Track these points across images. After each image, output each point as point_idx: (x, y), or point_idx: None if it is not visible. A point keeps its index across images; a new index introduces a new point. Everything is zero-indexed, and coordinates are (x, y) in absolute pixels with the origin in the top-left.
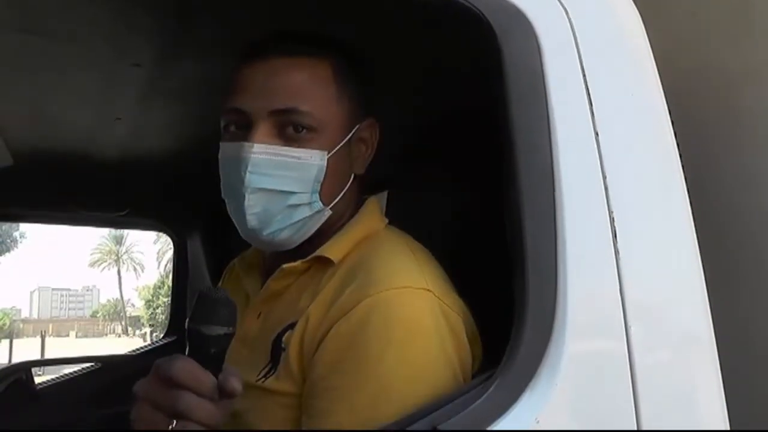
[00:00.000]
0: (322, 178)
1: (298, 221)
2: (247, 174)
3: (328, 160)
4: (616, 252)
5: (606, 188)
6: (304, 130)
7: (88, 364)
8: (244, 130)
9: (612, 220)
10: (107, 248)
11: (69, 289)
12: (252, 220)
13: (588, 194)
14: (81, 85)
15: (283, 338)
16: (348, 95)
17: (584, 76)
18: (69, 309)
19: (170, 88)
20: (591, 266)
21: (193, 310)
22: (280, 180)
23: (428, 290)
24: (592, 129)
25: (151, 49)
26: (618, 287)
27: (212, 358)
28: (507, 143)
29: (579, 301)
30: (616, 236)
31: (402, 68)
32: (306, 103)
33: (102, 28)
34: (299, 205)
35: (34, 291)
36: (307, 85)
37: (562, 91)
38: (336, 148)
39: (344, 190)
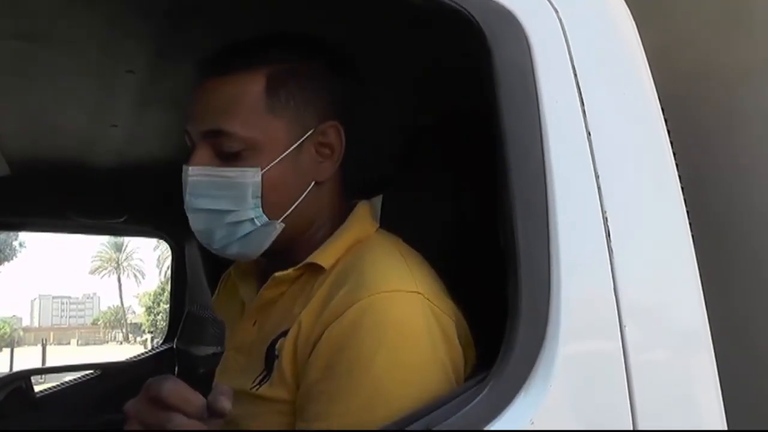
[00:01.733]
0: (260, 194)
1: (244, 236)
2: (187, 195)
3: (264, 175)
4: (610, 252)
5: (599, 188)
6: (234, 150)
7: (87, 372)
8: (192, 151)
9: (605, 220)
10: (107, 256)
11: (70, 297)
12: (200, 237)
13: (581, 194)
14: (76, 91)
15: (277, 345)
16: (289, 105)
17: (575, 76)
18: (70, 317)
19: (166, 93)
20: (585, 266)
21: (181, 330)
22: (217, 200)
23: (419, 293)
24: (584, 129)
25: (145, 55)
26: (612, 287)
27: (201, 377)
28: (498, 144)
29: (573, 301)
30: (609, 236)
31: (393, 71)
32: (229, 123)
33: (97, 34)
34: (240, 221)
35: (34, 299)
36: (232, 105)
37: (553, 92)
38: (273, 162)
39: (299, 200)
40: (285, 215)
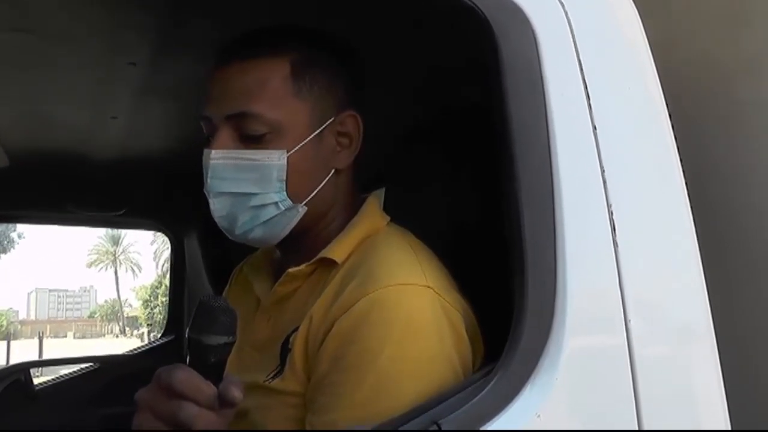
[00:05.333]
0: (284, 177)
1: (268, 220)
2: (209, 179)
3: (289, 158)
4: (615, 245)
5: (604, 182)
6: (259, 132)
7: (86, 365)
8: (213, 136)
9: (611, 214)
10: (104, 249)
11: (66, 290)
12: (222, 222)
13: (586, 188)
14: (76, 83)
15: (290, 339)
16: (313, 90)
17: (582, 70)
18: (66, 310)
19: (166, 86)
20: (590, 260)
21: (193, 319)
22: (240, 183)
23: (428, 287)
24: (590, 123)
25: (146, 48)
26: (617, 281)
27: (213, 367)
28: (505, 138)
29: (578, 295)
30: (615, 230)
31: (400, 65)
32: (256, 106)
33: (97, 26)
34: (265, 204)
35: (31, 292)
36: (259, 87)
37: (559, 86)
38: (299, 146)
39: (320, 186)
40: (306, 200)
